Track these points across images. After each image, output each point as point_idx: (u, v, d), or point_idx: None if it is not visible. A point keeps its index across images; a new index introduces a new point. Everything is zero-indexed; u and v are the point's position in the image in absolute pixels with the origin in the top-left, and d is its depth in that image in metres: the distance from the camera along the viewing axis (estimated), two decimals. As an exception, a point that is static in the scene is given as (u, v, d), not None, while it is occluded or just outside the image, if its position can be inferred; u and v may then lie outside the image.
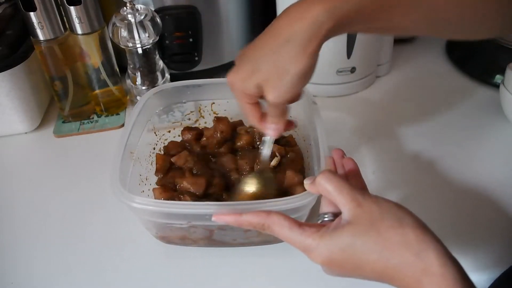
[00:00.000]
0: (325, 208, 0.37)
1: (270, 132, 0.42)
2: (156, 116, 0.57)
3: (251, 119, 0.42)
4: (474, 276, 0.30)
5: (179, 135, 0.59)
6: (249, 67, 0.37)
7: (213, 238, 0.47)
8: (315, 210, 0.44)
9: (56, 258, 0.49)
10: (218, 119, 0.57)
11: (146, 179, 0.53)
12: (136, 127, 0.51)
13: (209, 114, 0.62)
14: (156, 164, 0.54)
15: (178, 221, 0.44)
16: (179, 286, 0.46)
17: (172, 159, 0.54)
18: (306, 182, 0.38)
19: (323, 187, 0.35)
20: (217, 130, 0.56)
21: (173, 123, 0.61)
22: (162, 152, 0.57)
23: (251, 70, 0.37)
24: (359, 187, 0.38)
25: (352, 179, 0.40)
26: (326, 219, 0.36)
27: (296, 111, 0.57)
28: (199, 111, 0.62)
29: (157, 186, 0.52)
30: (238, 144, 0.56)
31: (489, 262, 0.47)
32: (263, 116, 0.42)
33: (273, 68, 0.36)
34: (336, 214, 0.36)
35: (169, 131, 0.60)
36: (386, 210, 0.32)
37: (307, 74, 0.37)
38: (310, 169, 0.53)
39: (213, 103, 0.61)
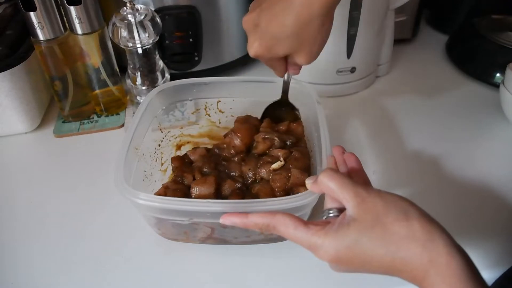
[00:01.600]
0: (329, 204, 0.37)
1: (292, 72, 0.49)
2: (162, 113, 0.58)
3: (277, 73, 0.49)
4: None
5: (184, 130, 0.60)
6: (273, 41, 0.42)
7: (215, 236, 0.47)
8: (317, 209, 0.44)
9: (56, 258, 0.49)
10: (238, 127, 0.56)
11: (151, 175, 0.53)
12: (141, 123, 0.52)
13: (215, 112, 0.62)
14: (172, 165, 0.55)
15: (181, 217, 0.44)
16: (180, 283, 0.46)
17: (188, 152, 0.55)
18: (308, 182, 0.39)
19: (326, 185, 0.35)
20: (236, 139, 0.55)
21: (179, 120, 0.61)
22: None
23: (276, 44, 0.42)
24: (362, 182, 0.38)
25: (355, 175, 0.40)
26: (331, 215, 0.36)
27: (300, 109, 0.57)
28: (205, 109, 0.62)
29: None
30: (254, 152, 0.55)
31: (491, 260, 0.47)
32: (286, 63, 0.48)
33: (300, 44, 0.42)
34: (341, 210, 0.36)
35: (181, 128, 0.61)
36: (391, 204, 0.33)
37: (328, 37, 0.43)
38: (313, 168, 0.53)
39: (219, 101, 0.61)
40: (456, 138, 0.65)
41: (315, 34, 0.41)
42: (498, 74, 0.74)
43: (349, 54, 0.71)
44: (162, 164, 0.57)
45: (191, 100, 0.60)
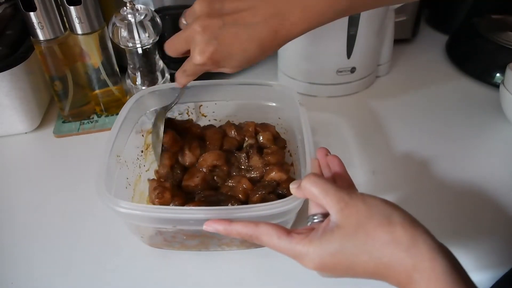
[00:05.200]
0: (313, 209, 0.37)
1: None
2: (144, 119, 0.57)
3: (186, 79, 0.47)
4: (475, 276, 0.30)
5: None
6: (225, 58, 0.42)
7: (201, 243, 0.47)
8: (301, 213, 0.44)
9: (56, 258, 0.49)
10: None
11: (133, 183, 0.53)
12: (122, 130, 0.51)
13: (197, 117, 0.61)
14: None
15: (164, 225, 0.44)
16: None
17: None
18: (292, 187, 0.38)
19: (308, 191, 0.35)
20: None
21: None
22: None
23: (227, 60, 0.42)
24: (346, 186, 0.38)
25: (339, 179, 0.40)
26: (315, 220, 0.36)
27: (283, 112, 0.57)
28: (187, 114, 0.62)
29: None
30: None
31: (490, 261, 0.47)
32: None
33: (244, 64, 0.42)
34: (325, 215, 0.35)
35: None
36: (374, 208, 0.32)
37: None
38: (297, 171, 0.52)
39: (201, 105, 0.60)
40: (456, 138, 0.65)
41: (259, 60, 0.42)
42: (498, 74, 0.74)
43: (349, 54, 0.71)
44: (147, 170, 0.56)
45: (173, 105, 0.59)
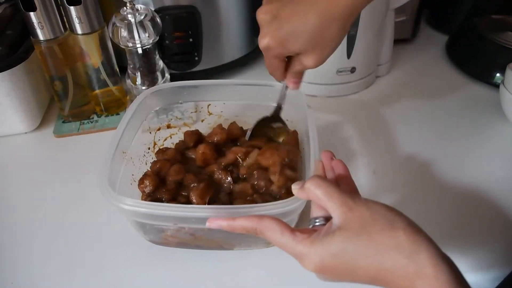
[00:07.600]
0: (315, 212, 0.37)
1: (292, 85, 0.47)
2: (152, 116, 0.57)
3: (276, 74, 0.46)
4: (475, 276, 0.30)
5: (175, 133, 0.60)
6: (289, 35, 0.40)
7: (198, 242, 0.47)
8: (304, 214, 0.44)
9: (56, 258, 0.49)
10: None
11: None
12: (129, 127, 0.51)
13: (197, 117, 0.62)
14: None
15: (165, 222, 0.44)
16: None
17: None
18: (295, 188, 0.38)
19: (312, 193, 0.35)
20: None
21: (169, 122, 0.61)
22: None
23: (291, 38, 0.40)
24: (349, 191, 0.38)
25: (342, 183, 0.40)
26: (317, 223, 0.36)
27: (290, 114, 0.57)
28: (196, 112, 0.62)
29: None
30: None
31: (490, 262, 0.47)
32: (285, 70, 0.46)
33: (315, 44, 0.40)
34: (328, 218, 0.35)
35: (170, 131, 0.60)
36: (377, 213, 0.32)
37: (339, 45, 0.42)
38: (303, 172, 0.52)
39: (209, 104, 0.61)
40: (456, 138, 0.65)
41: (332, 37, 0.40)
42: (498, 74, 0.74)
43: (349, 54, 0.71)
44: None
45: (181, 103, 0.59)
